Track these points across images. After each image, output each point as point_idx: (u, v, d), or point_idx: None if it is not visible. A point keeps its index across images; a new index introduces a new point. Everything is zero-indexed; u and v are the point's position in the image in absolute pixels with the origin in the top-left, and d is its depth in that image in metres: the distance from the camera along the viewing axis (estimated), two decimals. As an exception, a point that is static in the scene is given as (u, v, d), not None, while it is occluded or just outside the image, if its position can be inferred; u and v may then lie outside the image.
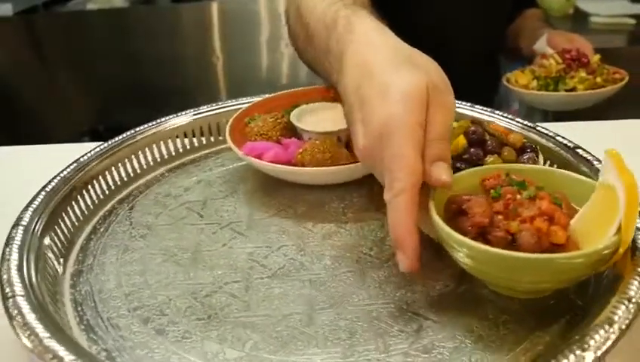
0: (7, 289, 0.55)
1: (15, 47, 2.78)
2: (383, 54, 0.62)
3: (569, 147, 0.79)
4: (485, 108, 0.91)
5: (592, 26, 2.52)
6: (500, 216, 0.59)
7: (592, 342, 0.47)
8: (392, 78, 0.58)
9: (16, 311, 0.52)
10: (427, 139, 0.57)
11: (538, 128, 0.84)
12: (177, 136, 0.92)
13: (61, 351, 0.47)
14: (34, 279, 0.59)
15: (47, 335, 0.49)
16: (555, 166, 0.78)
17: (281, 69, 2.82)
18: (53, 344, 0.48)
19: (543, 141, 0.82)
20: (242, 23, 2.70)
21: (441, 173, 0.57)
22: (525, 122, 0.87)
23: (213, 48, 2.67)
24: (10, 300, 0.53)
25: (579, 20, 2.60)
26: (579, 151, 0.78)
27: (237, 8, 2.67)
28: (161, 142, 0.90)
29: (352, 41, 0.66)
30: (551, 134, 0.82)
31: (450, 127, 0.60)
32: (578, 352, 0.46)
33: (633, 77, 1.37)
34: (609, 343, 0.47)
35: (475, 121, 0.77)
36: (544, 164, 0.77)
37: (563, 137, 0.81)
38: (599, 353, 0.46)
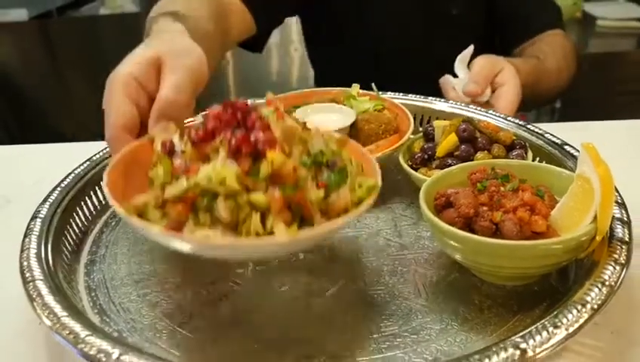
0: (27, 274, 0.59)
1: (30, 51, 2.85)
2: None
3: (557, 144, 0.83)
4: (479, 109, 0.95)
5: (599, 30, 2.53)
6: (485, 208, 0.63)
7: (564, 321, 0.51)
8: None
9: (36, 293, 0.57)
10: (157, 96, 0.64)
11: (528, 126, 0.88)
12: (185, 136, 0.96)
13: (77, 327, 0.52)
14: (51, 266, 0.63)
15: (65, 314, 0.53)
16: (544, 162, 0.81)
17: (291, 72, 2.86)
18: (71, 322, 0.52)
19: (533, 138, 0.85)
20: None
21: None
22: (517, 121, 0.90)
23: (223, 52, 2.72)
24: (30, 284, 0.58)
25: (586, 24, 2.61)
26: (566, 147, 0.81)
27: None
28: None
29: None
30: (540, 132, 0.86)
31: (188, 86, 0.66)
32: (551, 329, 0.50)
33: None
34: (581, 321, 0.51)
35: (466, 120, 0.81)
36: (533, 160, 0.81)
37: (552, 134, 0.85)
38: (571, 330, 0.50)
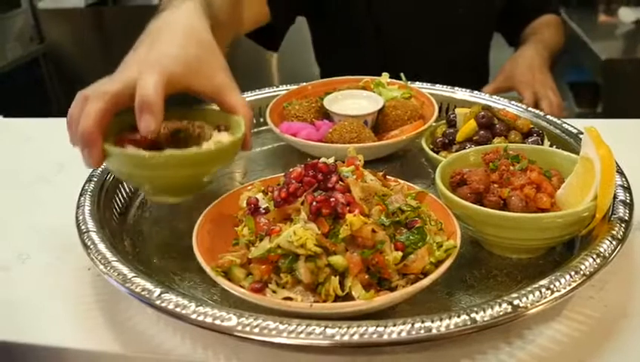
0: (83, 226, 0.68)
1: (85, 36, 3.02)
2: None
3: (573, 133, 0.87)
4: (501, 98, 1.00)
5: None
6: (495, 185, 0.68)
7: (557, 284, 0.56)
8: None
9: (90, 242, 0.65)
10: None
11: (547, 117, 0.92)
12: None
13: (125, 270, 0.59)
14: (103, 221, 0.71)
15: (115, 259, 0.61)
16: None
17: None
18: (119, 265, 0.60)
19: (551, 127, 0.90)
20: (297, 20, 2.83)
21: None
22: (537, 111, 0.95)
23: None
24: (85, 234, 0.66)
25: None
26: (581, 136, 0.85)
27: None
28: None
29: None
30: (558, 122, 0.90)
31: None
32: (543, 290, 0.55)
33: None
34: (573, 285, 0.56)
35: (485, 107, 0.86)
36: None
37: (569, 124, 0.89)
38: (563, 291, 0.55)
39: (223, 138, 0.74)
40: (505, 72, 1.35)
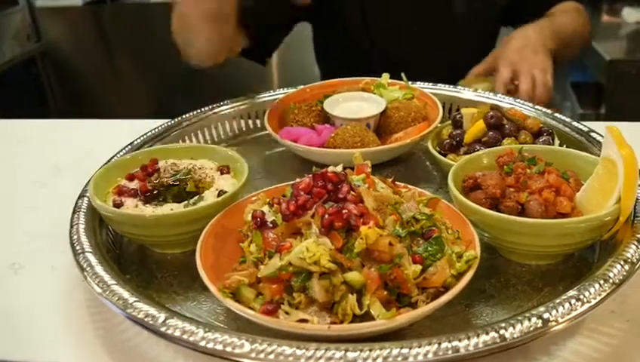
0: (77, 247, 0.64)
1: (83, 34, 2.97)
2: None
3: (584, 131, 0.84)
4: (506, 97, 0.97)
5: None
6: (511, 189, 0.65)
7: (586, 294, 0.53)
8: None
9: (86, 264, 0.61)
10: None
11: (556, 115, 0.89)
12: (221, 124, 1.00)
13: (125, 294, 0.55)
14: (98, 240, 0.67)
15: (114, 282, 0.57)
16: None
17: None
18: (119, 289, 0.56)
19: (560, 126, 0.87)
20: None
21: None
22: (545, 109, 0.92)
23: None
24: (81, 255, 0.62)
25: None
26: (592, 134, 0.83)
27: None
28: (205, 129, 0.99)
29: None
30: (568, 120, 0.87)
31: None
32: (573, 301, 0.52)
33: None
34: (603, 295, 0.53)
35: (494, 107, 0.82)
36: (560, 146, 0.82)
37: (578, 122, 0.86)
38: (593, 302, 0.52)
39: (226, 182, 0.73)
40: (495, 52, 1.25)
